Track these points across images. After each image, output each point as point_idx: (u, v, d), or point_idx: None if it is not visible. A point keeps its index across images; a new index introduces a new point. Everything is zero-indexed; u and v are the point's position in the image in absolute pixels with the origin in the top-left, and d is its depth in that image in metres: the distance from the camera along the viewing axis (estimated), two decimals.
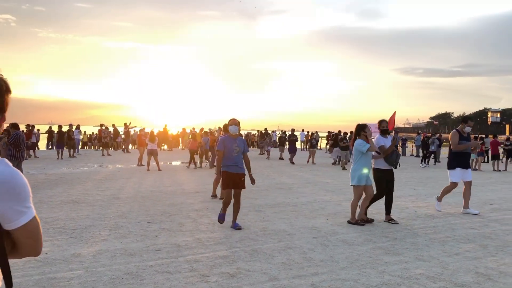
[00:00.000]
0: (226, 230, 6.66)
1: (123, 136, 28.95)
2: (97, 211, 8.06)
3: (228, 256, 5.30)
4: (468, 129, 8.49)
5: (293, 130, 22.48)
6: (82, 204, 8.69)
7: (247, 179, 6.91)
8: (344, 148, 18.48)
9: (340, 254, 5.48)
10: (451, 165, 8.67)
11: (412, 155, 28.40)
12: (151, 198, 9.55)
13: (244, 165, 6.87)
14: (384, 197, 7.61)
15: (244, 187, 6.86)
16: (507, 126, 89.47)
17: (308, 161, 20.46)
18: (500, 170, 18.33)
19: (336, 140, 20.07)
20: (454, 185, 8.57)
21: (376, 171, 7.63)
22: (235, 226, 6.77)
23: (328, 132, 25.42)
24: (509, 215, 8.35)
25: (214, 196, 9.80)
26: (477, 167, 18.77)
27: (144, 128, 19.59)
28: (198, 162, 17.59)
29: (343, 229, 6.88)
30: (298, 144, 25.70)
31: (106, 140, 25.18)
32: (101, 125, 27.21)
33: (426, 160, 20.65)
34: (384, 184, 7.58)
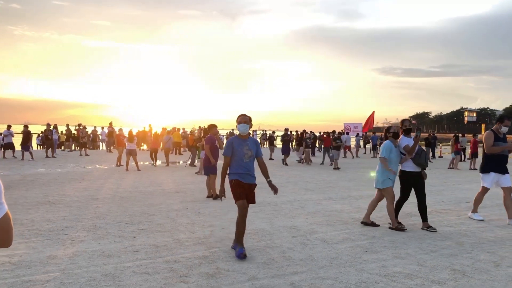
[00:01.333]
0: (205, 230, 6.63)
1: (101, 137, 28.66)
2: (74, 212, 7.93)
3: (207, 256, 5.28)
4: (504, 129, 7.63)
5: (286, 130, 21.32)
6: (59, 205, 8.54)
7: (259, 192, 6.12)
8: (336, 148, 18.46)
9: (319, 253, 5.51)
10: (484, 169, 7.79)
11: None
12: (130, 199, 9.44)
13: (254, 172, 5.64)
14: (417, 203, 7.15)
15: (255, 202, 5.67)
16: (483, 126, 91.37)
17: (302, 162, 20.27)
18: (476, 169, 18.68)
19: (302, 139, 20.74)
20: (485, 190, 7.88)
21: (402, 174, 7.17)
22: (240, 253, 5.25)
23: (296, 131, 25.28)
24: (485, 212, 8.51)
25: (210, 196, 9.79)
26: (453, 166, 19.10)
27: (121, 128, 19.34)
28: (154, 161, 18.13)
29: (322, 228, 6.91)
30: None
31: (84, 140, 24.81)
32: (78, 125, 26.78)
33: None
34: (409, 188, 7.16)
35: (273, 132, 21.50)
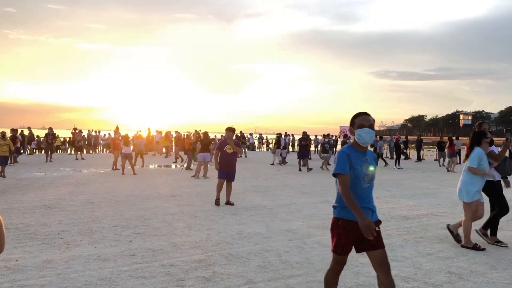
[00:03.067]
0: (201, 234, 6.62)
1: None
2: (70, 216, 7.90)
3: (203, 260, 5.27)
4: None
5: (304, 134, 19.72)
6: (54, 209, 8.51)
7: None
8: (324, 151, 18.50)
9: (315, 256, 5.51)
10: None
11: (386, 157, 28.84)
12: (126, 202, 9.42)
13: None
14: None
15: (383, 246, 3.36)
16: None
17: (322, 167, 19.11)
18: None
19: (279, 142, 21.30)
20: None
21: (490, 184, 6.28)
22: None
23: (278, 134, 25.22)
24: None
25: (217, 200, 9.34)
26: (448, 168, 19.14)
27: (118, 132, 19.34)
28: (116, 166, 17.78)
29: (318, 231, 6.92)
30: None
31: (80, 144, 24.76)
32: (74, 129, 26.71)
33: (398, 162, 21.03)
34: (503, 196, 6.34)
35: (304, 133, 19.71)
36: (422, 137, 28.72)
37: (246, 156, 24.96)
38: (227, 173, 9.27)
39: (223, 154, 9.31)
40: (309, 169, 18.21)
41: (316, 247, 5.96)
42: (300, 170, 18.14)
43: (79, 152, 23.67)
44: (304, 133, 19.78)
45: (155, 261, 5.20)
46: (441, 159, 21.59)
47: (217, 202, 9.28)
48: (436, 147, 22.74)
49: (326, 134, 26.56)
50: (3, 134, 15.32)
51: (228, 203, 9.33)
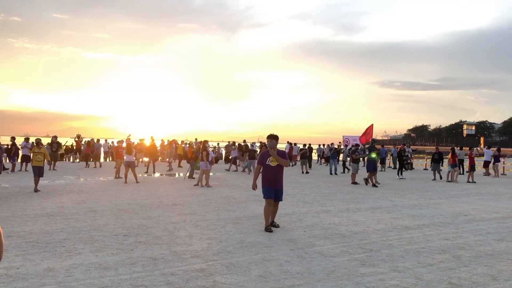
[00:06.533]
0: (203, 243, 6.63)
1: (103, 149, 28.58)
2: (72, 224, 7.92)
3: (204, 269, 5.27)
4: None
5: (332, 145, 22.36)
6: (57, 217, 8.54)
7: None
8: (355, 161, 18.10)
9: (316, 266, 5.50)
10: None
11: (389, 166, 28.80)
12: (128, 211, 9.44)
13: None
14: None
15: None
16: (482, 139, 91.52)
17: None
18: (475, 182, 18.68)
19: (247, 149, 22.51)
20: None
21: None
22: None
23: (242, 142, 25.41)
24: (482, 225, 8.52)
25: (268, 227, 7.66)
26: (450, 179, 19.05)
27: (122, 140, 19.38)
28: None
29: (320, 241, 6.91)
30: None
31: (98, 152, 25.04)
32: (77, 136, 26.78)
33: (401, 171, 20.94)
34: None
35: (332, 144, 21.08)
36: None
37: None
38: (275, 192, 7.69)
39: (266, 168, 7.72)
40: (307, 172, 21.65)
41: (317, 257, 5.96)
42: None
43: (92, 160, 23.79)
44: (331, 144, 22.44)
45: (156, 270, 5.21)
46: (435, 172, 19.88)
47: (268, 229, 7.55)
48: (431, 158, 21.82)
49: (331, 143, 26.77)
50: (38, 141, 13.25)
51: (273, 224, 7.91)
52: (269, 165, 7.65)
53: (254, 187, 8.00)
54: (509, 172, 25.03)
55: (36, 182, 12.54)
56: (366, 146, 20.34)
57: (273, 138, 7.78)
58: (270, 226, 7.68)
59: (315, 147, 32.63)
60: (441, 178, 19.70)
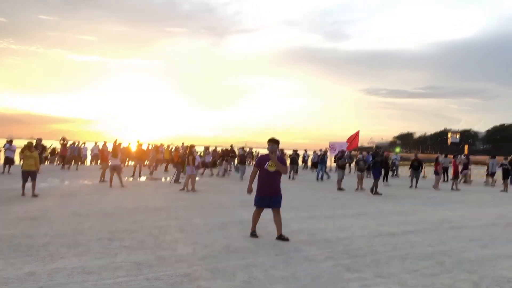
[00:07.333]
0: (188, 248, 6.59)
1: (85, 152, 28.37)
2: (56, 228, 7.82)
3: (189, 274, 5.24)
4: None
5: (320, 151, 23.03)
6: (40, 221, 8.42)
7: None
8: (341, 167, 17.91)
9: (302, 271, 5.51)
10: None
11: None
12: (113, 215, 9.35)
13: None
14: None
15: None
16: (466, 147, 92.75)
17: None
18: (459, 190, 18.90)
19: (226, 154, 22.82)
20: None
21: None
22: None
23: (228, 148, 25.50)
24: (466, 232, 8.62)
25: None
26: (433, 186, 19.27)
27: (105, 143, 19.29)
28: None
29: (305, 247, 6.92)
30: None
31: (75, 154, 24.86)
32: (62, 139, 26.48)
33: (386, 178, 21.13)
34: None
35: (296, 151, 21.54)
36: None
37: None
38: (269, 199, 7.40)
39: (263, 173, 7.37)
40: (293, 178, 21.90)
41: (303, 262, 5.96)
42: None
43: (69, 163, 23.65)
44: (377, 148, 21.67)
45: (140, 275, 5.16)
46: (414, 180, 19.84)
47: (253, 234, 7.49)
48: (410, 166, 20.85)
49: (320, 149, 26.77)
50: (30, 144, 12.48)
51: (281, 237, 7.33)
52: (266, 169, 7.30)
53: (250, 190, 7.47)
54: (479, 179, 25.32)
55: (34, 187, 11.95)
56: (370, 152, 20.37)
57: (275, 142, 7.43)
58: (279, 239, 7.30)
59: (301, 153, 32.77)
60: (416, 186, 19.54)
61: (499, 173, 21.91)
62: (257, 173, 7.48)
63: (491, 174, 23.37)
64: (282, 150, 23.10)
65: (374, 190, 15.68)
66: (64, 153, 25.01)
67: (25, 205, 10.41)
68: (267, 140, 7.47)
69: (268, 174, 7.27)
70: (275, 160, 7.23)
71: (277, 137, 7.47)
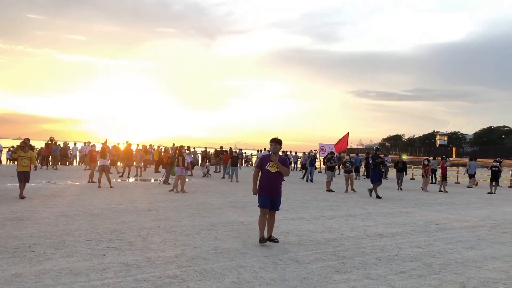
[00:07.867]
0: (177, 249, 6.56)
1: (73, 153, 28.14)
2: (43, 228, 7.74)
3: (178, 276, 5.23)
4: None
5: (311, 152, 22.29)
6: (27, 222, 8.33)
7: None
8: (330, 169, 17.89)
9: (290, 273, 5.52)
10: None
11: (363, 175, 29.13)
12: (101, 216, 9.28)
13: None
14: None
15: None
16: (454, 149, 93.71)
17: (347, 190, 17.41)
18: (447, 191, 19.06)
19: (216, 155, 22.94)
20: None
21: None
22: None
23: (224, 148, 25.49)
24: (453, 234, 8.70)
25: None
26: (422, 188, 19.44)
27: (94, 144, 19.18)
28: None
29: (294, 248, 6.93)
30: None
31: (56, 154, 24.63)
32: (50, 139, 26.27)
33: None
34: None
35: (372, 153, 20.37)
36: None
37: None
38: (270, 200, 7.15)
39: (264, 173, 7.20)
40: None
41: (292, 263, 5.98)
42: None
43: (50, 163, 23.57)
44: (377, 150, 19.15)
45: (128, 276, 5.13)
46: (399, 181, 19.80)
47: (262, 240, 7.09)
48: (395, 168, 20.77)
49: (310, 151, 26.63)
50: (23, 144, 12.23)
51: (271, 239, 7.27)
52: (268, 170, 7.11)
53: (255, 191, 7.25)
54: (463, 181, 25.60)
55: (22, 188, 11.65)
56: (371, 155, 20.20)
57: (277, 142, 7.21)
58: (268, 240, 7.19)
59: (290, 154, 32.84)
60: (401, 188, 19.55)
61: (480, 175, 22.14)
62: (259, 174, 7.31)
63: (469, 175, 23.65)
64: (285, 152, 22.40)
65: (376, 194, 15.42)
66: (46, 153, 24.92)
67: (11, 205, 10.29)
68: (269, 140, 7.29)
69: (269, 175, 7.13)
70: (276, 161, 7.09)
71: (279, 138, 7.29)
